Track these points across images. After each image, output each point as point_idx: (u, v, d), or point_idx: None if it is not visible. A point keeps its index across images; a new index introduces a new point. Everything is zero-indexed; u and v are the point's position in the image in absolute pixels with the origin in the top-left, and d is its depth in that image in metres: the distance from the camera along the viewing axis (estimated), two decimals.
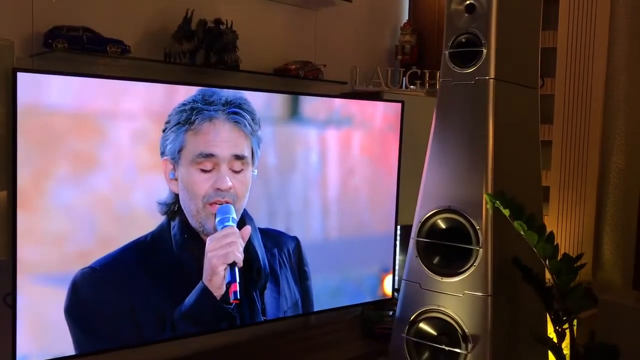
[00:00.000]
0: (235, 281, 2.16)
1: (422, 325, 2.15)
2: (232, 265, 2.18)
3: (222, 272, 2.18)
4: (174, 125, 2.12)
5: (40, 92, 1.79)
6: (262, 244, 2.40)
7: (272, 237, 2.48)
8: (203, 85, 2.12)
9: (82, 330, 2.02)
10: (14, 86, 1.71)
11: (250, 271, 2.34)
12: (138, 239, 2.11)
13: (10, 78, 1.72)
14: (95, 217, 2.00)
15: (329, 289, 2.62)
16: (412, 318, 2.17)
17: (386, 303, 2.78)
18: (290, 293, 2.51)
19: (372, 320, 2.73)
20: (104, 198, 2.01)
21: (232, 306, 2.24)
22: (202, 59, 2.29)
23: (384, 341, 2.52)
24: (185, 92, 2.08)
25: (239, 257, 2.20)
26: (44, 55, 1.99)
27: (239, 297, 2.13)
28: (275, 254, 2.48)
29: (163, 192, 2.14)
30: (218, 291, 2.21)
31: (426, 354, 2.15)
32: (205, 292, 2.21)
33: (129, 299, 2.11)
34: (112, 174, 2.01)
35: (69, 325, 1.99)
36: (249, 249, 2.31)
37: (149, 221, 2.12)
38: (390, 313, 2.72)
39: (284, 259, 2.52)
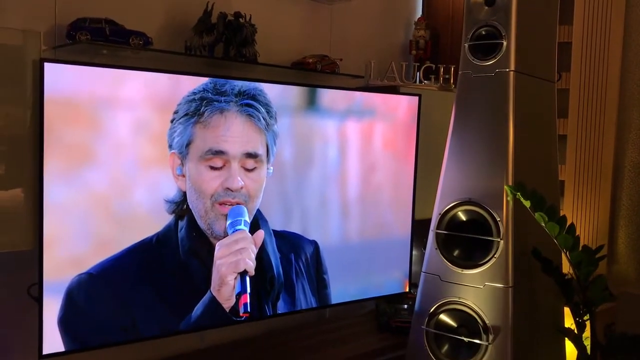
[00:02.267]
0: (246, 292, 2.01)
1: (442, 317, 2.16)
2: (243, 274, 2.02)
3: (231, 281, 2.03)
4: (182, 117, 2.00)
5: (66, 83, 1.79)
6: (276, 249, 2.25)
7: (288, 241, 2.32)
8: (222, 77, 2.07)
9: (76, 343, 1.89)
10: (41, 77, 1.72)
11: (263, 280, 2.20)
12: (142, 240, 1.98)
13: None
14: (100, 214, 1.89)
15: (348, 296, 2.56)
16: (431, 310, 2.17)
17: (400, 297, 2.78)
18: (306, 304, 2.37)
19: (387, 314, 2.74)
20: (114, 193, 1.90)
21: (241, 319, 2.11)
22: (221, 51, 2.29)
23: (400, 335, 2.53)
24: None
25: (250, 265, 2.04)
26: (67, 48, 1.99)
27: (249, 309, 2.00)
28: (291, 260, 2.32)
29: (172, 189, 2.01)
30: (227, 302, 2.07)
31: (446, 346, 2.16)
32: (213, 303, 2.07)
33: (130, 310, 1.97)
34: (126, 166, 1.94)
35: (62, 337, 1.86)
36: (261, 255, 2.16)
37: (156, 221, 1.99)
38: (405, 307, 2.73)
39: (301, 266, 2.36)
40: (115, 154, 1.91)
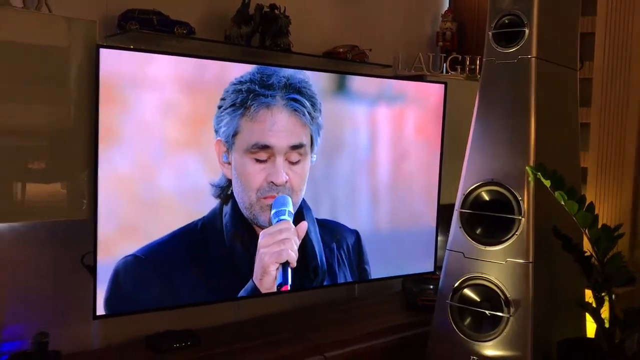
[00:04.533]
0: (287, 284, 2.06)
1: (466, 291, 2.27)
2: (285, 265, 2.07)
3: (273, 272, 2.08)
4: (229, 107, 2.07)
5: (119, 68, 1.94)
6: (320, 238, 2.30)
7: (331, 230, 2.37)
8: (258, 64, 2.18)
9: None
10: (97, 61, 1.88)
11: (306, 269, 2.26)
12: (188, 225, 2.05)
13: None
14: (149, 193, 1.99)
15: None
16: (456, 285, 2.29)
17: (426, 278, 2.88)
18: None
19: (414, 293, 2.84)
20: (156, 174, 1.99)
21: (279, 292, 2.15)
22: (258, 41, 2.43)
23: (426, 312, 2.64)
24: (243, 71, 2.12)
25: (292, 256, 2.08)
26: (117, 37, 2.15)
27: None
28: (333, 250, 2.36)
29: (217, 173, 2.09)
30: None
31: (469, 319, 2.27)
32: (255, 293, 2.14)
33: (174, 292, 2.05)
34: (172, 149, 2.04)
35: (105, 310, 1.96)
36: (305, 244, 2.22)
37: (202, 204, 2.07)
38: (431, 286, 2.83)
39: (343, 255, 2.40)
40: (160, 137, 2.04)
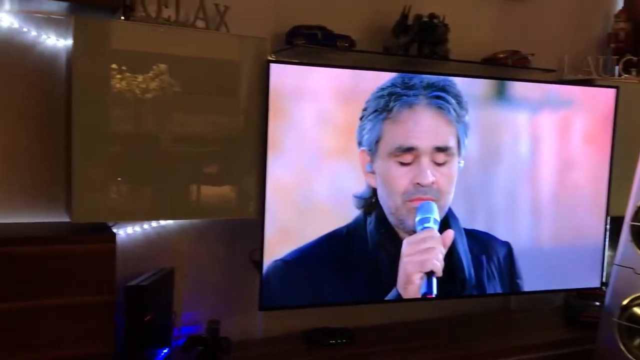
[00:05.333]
0: (432, 293, 2.01)
1: (637, 310, 2.12)
2: (430, 274, 2.02)
3: (417, 281, 2.04)
4: (371, 113, 2.07)
5: (284, 81, 2.08)
6: (467, 249, 2.22)
7: (480, 241, 2.28)
8: (419, 73, 2.20)
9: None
10: (268, 75, 2.05)
11: (453, 282, 2.19)
12: (333, 231, 2.09)
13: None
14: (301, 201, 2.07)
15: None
16: (625, 303, 2.15)
17: (591, 294, 2.72)
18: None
19: (576, 308, 2.70)
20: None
21: (428, 298, 2.11)
22: (416, 50, 2.47)
23: (588, 329, 2.49)
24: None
25: (437, 265, 2.02)
26: (284, 52, 2.31)
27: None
28: (482, 263, 2.27)
29: (360, 185, 2.10)
30: None
31: (639, 340, 2.11)
32: (400, 300, 2.13)
33: (322, 295, 2.11)
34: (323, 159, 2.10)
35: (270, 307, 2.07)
36: (452, 255, 2.15)
37: (349, 211, 2.11)
38: (596, 303, 2.66)
39: (493, 269, 2.31)
40: (317, 147, 2.13)
